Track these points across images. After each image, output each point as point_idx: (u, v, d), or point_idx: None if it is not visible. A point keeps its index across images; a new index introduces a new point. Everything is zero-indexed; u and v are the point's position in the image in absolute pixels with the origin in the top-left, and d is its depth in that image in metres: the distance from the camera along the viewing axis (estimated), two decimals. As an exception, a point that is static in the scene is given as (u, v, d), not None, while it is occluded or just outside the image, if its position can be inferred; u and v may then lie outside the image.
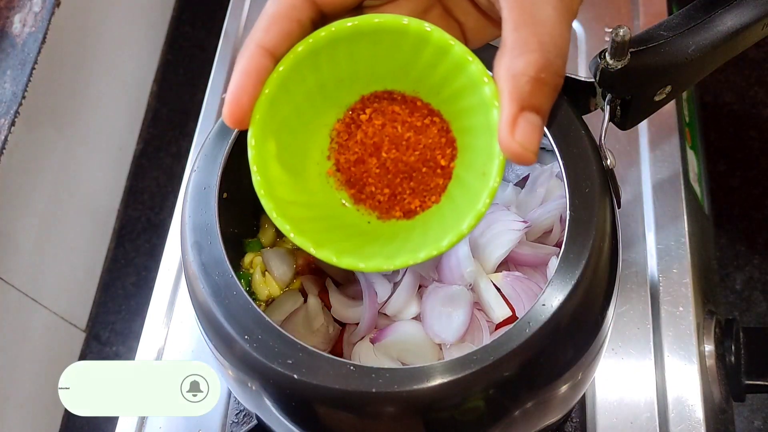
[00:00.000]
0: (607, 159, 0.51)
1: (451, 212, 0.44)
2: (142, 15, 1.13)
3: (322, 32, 0.42)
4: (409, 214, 0.46)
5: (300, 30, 0.43)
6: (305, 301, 0.60)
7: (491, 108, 0.41)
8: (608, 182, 0.51)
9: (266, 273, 0.62)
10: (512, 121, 0.39)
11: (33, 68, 0.85)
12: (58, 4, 0.90)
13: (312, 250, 0.42)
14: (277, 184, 0.44)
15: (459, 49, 0.42)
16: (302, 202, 0.45)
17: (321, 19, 0.43)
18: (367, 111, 0.46)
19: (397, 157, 0.46)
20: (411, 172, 0.46)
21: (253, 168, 0.43)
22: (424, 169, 0.46)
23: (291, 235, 0.42)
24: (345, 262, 0.42)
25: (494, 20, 0.45)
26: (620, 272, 0.51)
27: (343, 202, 0.47)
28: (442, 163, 0.45)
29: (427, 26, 0.42)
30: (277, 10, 0.42)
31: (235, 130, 0.54)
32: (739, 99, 1.07)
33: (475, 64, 0.42)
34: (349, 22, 0.42)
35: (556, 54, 0.40)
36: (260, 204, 0.53)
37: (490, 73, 0.41)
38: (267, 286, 0.62)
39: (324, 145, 0.47)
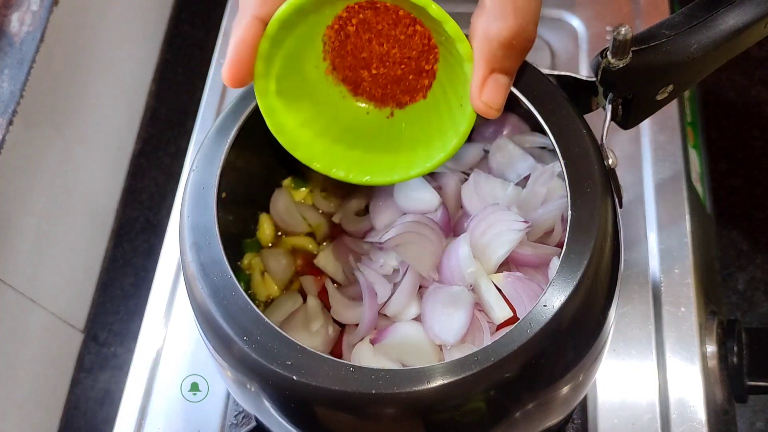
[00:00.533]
0: (608, 158, 0.51)
1: (437, 120, 0.51)
2: (140, 14, 1.13)
3: None
4: (401, 104, 0.53)
5: None
6: (305, 301, 0.60)
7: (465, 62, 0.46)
8: (610, 182, 0.51)
9: (265, 273, 0.62)
10: (482, 82, 0.45)
11: (31, 67, 0.85)
12: (56, 3, 0.90)
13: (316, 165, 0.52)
14: (284, 115, 0.51)
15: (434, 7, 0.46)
16: (309, 111, 0.53)
17: None
18: (354, 21, 0.50)
19: (385, 72, 0.52)
20: (399, 80, 0.52)
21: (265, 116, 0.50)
22: (411, 77, 0.52)
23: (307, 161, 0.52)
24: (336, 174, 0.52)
25: None
26: (622, 272, 0.51)
27: (343, 96, 0.54)
28: (426, 67, 0.51)
29: None
30: None
31: (234, 131, 0.54)
32: (741, 98, 1.07)
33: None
34: None
35: (529, 20, 0.44)
36: (259, 204, 0.54)
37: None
38: (266, 286, 0.62)
39: (319, 49, 0.52)
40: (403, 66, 0.51)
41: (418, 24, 0.50)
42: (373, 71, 0.52)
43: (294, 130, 0.52)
